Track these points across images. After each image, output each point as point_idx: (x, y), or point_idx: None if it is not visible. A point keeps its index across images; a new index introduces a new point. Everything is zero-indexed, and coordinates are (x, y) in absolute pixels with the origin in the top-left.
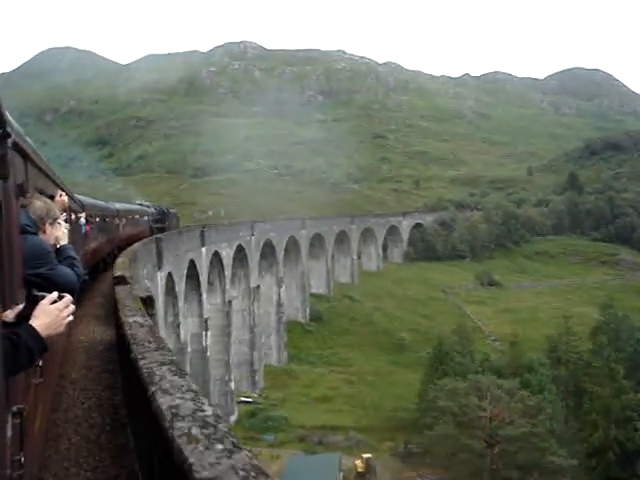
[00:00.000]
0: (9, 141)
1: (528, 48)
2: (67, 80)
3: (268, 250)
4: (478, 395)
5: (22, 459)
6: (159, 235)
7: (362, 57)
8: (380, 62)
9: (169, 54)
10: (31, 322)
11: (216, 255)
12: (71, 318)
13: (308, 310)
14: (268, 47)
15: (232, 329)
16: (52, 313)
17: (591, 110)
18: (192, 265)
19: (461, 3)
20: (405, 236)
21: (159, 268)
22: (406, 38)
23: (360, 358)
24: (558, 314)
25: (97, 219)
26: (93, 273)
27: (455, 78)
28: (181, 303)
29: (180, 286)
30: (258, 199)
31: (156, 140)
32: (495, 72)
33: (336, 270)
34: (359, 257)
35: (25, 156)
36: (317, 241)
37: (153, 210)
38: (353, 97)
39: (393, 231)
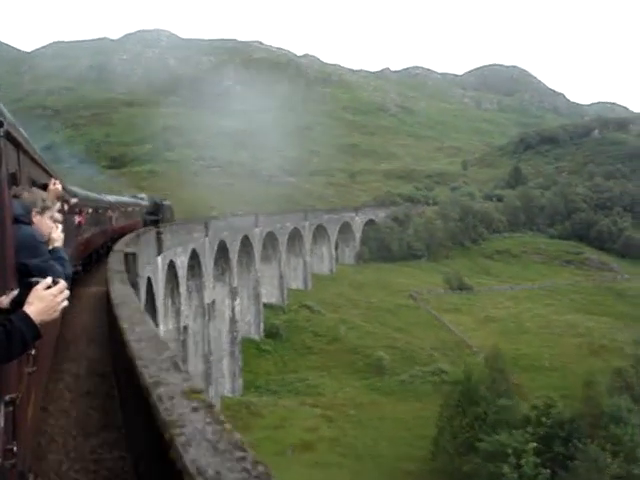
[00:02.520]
0: (1, 130)
1: (445, 44)
2: None
3: (221, 254)
4: None
5: (15, 448)
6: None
7: (280, 48)
8: (299, 54)
9: (77, 41)
10: (25, 308)
11: (171, 266)
12: (66, 303)
13: (262, 325)
14: (183, 36)
15: (189, 363)
16: (46, 299)
17: (512, 106)
18: (149, 285)
19: None
20: (358, 234)
21: None
22: (323, 32)
23: (331, 384)
24: (545, 323)
25: (90, 210)
26: (86, 265)
27: (375, 72)
28: None
29: None
30: (185, 192)
31: (64, 130)
32: (415, 67)
33: (287, 274)
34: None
35: (17, 145)
36: (269, 241)
37: (147, 202)
38: (274, 88)
39: (345, 229)
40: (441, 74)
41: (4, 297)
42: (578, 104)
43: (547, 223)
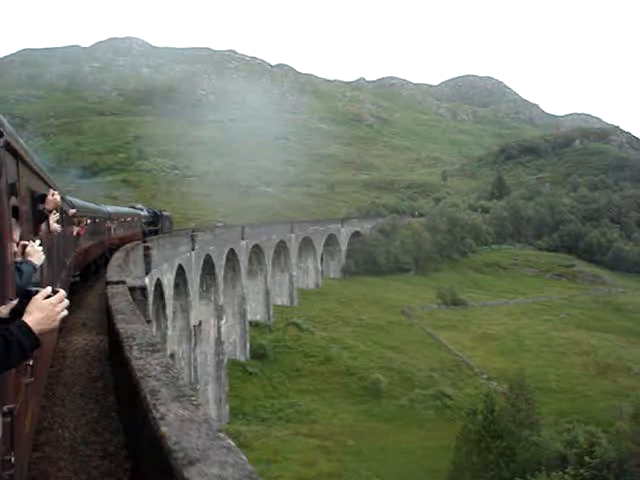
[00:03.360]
0: (1, 141)
1: (420, 54)
2: None
3: (206, 269)
4: None
5: (12, 459)
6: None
7: (254, 58)
8: (273, 64)
9: (47, 48)
10: (25, 318)
11: (158, 285)
12: (65, 313)
13: (248, 345)
14: (155, 44)
15: None
16: (46, 308)
17: (488, 117)
18: None
19: (350, 9)
20: (344, 247)
21: None
22: (297, 42)
23: (325, 410)
24: (546, 340)
25: (88, 221)
26: (84, 275)
27: (350, 82)
28: None
29: None
30: (161, 202)
31: (33, 139)
32: (390, 77)
33: (272, 290)
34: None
35: (17, 156)
36: (254, 255)
37: (146, 213)
38: (248, 98)
39: (331, 241)
40: (416, 84)
41: (3, 307)
42: (553, 115)
43: (534, 235)
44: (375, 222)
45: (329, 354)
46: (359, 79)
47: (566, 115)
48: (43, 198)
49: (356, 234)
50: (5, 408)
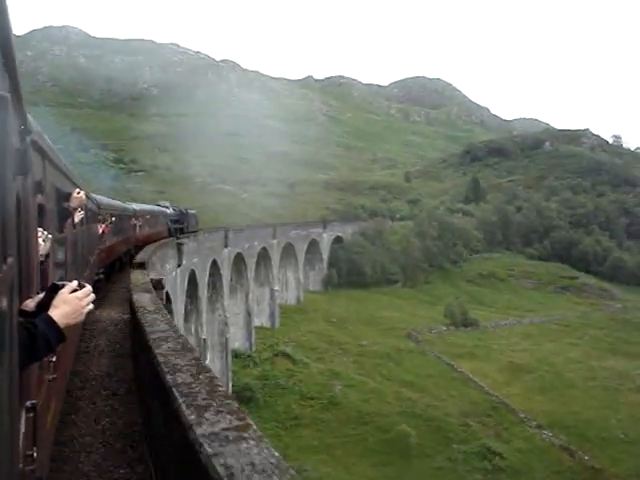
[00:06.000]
0: (28, 139)
1: (368, 54)
2: None
3: (189, 290)
4: None
5: (34, 454)
6: None
7: (198, 52)
8: (217, 59)
9: None
10: (51, 312)
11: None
12: (91, 307)
13: (231, 385)
14: (94, 34)
15: None
16: (72, 302)
17: (439, 119)
18: None
19: (297, 6)
20: (325, 254)
21: None
22: (241, 38)
23: (340, 476)
24: (588, 372)
25: (113, 218)
26: (109, 272)
27: (298, 80)
28: None
29: None
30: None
31: None
32: (339, 76)
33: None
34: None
35: (43, 154)
36: (234, 266)
37: (172, 211)
38: (193, 92)
39: (312, 248)
40: (365, 84)
41: (30, 300)
42: (503, 119)
43: (522, 242)
44: (357, 226)
45: (332, 395)
46: (307, 77)
47: (515, 119)
48: (68, 196)
49: (338, 239)
50: (28, 403)
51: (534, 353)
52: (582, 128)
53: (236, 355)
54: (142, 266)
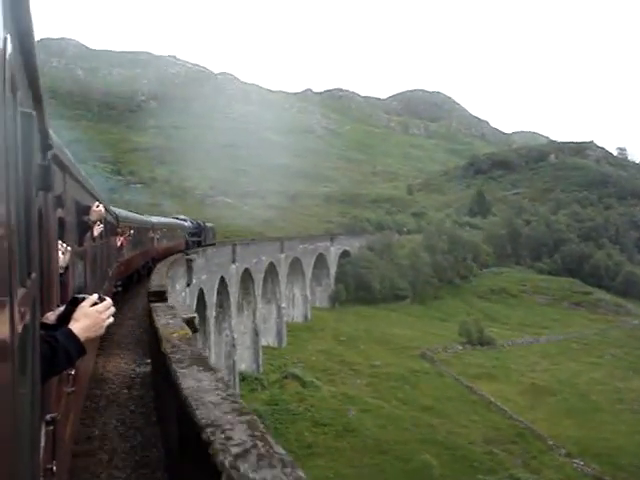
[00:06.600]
0: (50, 154)
1: (367, 67)
2: None
3: (198, 311)
4: None
5: (54, 468)
6: None
7: (196, 64)
8: (216, 71)
9: None
10: (71, 325)
11: None
12: (111, 320)
13: None
14: (91, 46)
15: None
16: (92, 315)
17: (439, 132)
18: None
19: (295, 19)
20: (333, 269)
21: None
22: (239, 51)
23: None
24: (615, 394)
25: (132, 231)
26: (126, 284)
27: (296, 93)
28: None
29: None
30: None
31: None
32: (338, 89)
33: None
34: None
35: (64, 168)
36: (242, 283)
37: (189, 224)
38: (191, 105)
39: (319, 262)
40: (364, 97)
41: (50, 313)
42: (503, 132)
43: (532, 256)
44: (364, 240)
45: (347, 421)
46: (306, 90)
47: (514, 132)
48: (88, 209)
49: (345, 254)
50: (48, 417)
51: (555, 374)
52: (586, 140)
53: (243, 378)
54: (162, 297)
